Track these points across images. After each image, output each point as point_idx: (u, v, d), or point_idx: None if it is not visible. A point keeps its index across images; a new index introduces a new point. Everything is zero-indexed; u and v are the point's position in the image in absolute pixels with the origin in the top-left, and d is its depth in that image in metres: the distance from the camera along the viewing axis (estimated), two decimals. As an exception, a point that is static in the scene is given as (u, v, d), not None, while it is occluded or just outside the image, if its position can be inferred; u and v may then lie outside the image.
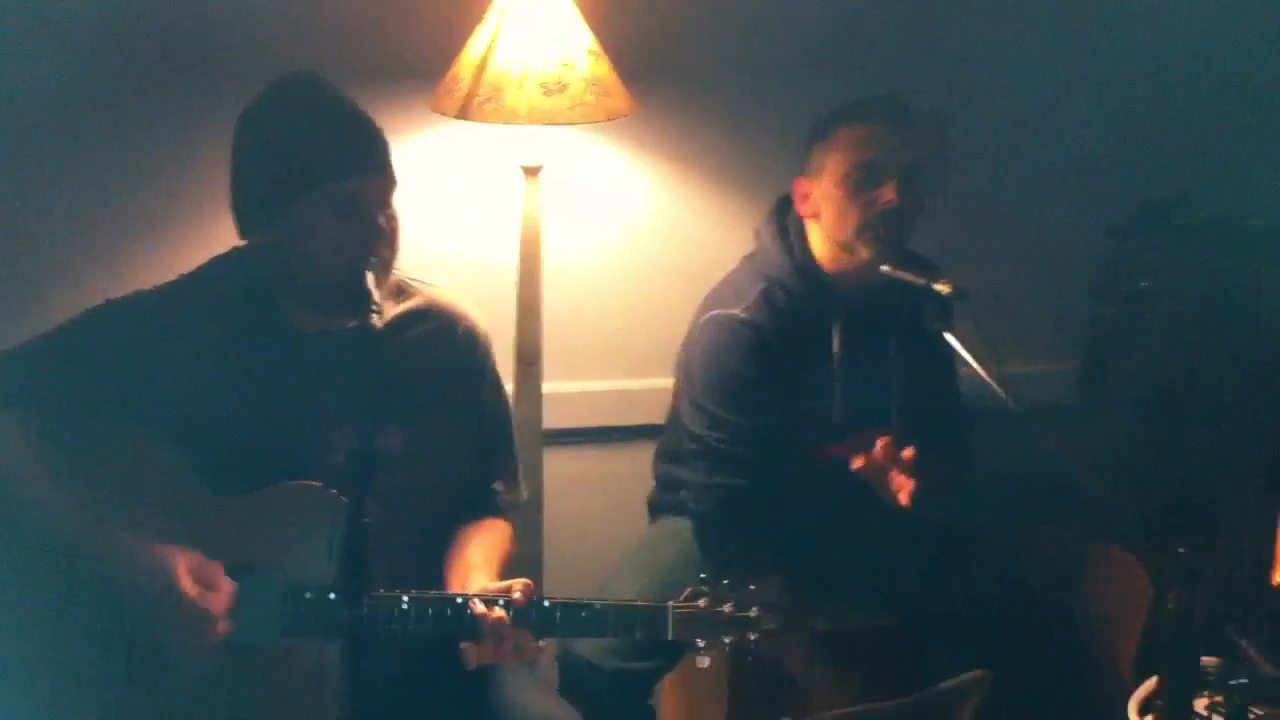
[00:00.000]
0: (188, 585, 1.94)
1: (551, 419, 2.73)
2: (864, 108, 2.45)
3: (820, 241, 2.50)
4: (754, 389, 2.46)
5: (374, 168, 2.04)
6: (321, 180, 1.99)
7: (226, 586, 1.97)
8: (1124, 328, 2.77)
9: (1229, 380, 3.00)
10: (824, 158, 2.45)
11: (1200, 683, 1.79)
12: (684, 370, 2.55)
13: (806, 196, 2.48)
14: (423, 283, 2.22)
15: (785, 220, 2.52)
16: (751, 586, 2.08)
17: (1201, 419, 3.02)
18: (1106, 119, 3.04)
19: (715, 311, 2.50)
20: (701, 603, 2.05)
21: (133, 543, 1.96)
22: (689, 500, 2.53)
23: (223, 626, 1.95)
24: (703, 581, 2.07)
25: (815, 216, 2.48)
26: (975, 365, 2.29)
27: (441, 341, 2.18)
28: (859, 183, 2.41)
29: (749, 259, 2.56)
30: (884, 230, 2.42)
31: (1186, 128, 3.09)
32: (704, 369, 2.50)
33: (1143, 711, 2.06)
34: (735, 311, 2.48)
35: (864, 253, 2.44)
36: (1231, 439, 2.97)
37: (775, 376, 2.47)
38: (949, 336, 2.34)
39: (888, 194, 2.41)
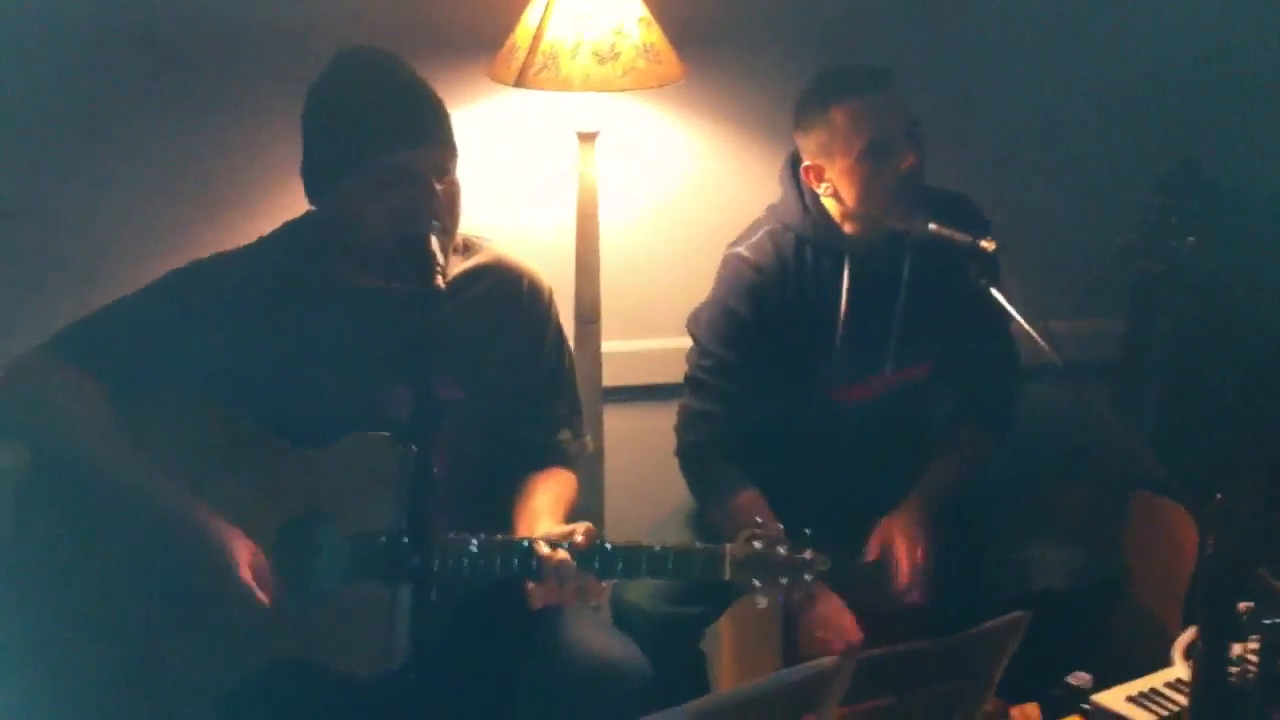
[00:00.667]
0: (244, 575, 2.03)
1: (610, 377, 2.80)
2: (846, 85, 2.45)
3: (838, 208, 2.52)
4: (743, 326, 2.50)
5: (432, 138, 2.09)
6: (382, 150, 2.05)
7: (277, 587, 2.06)
8: (1169, 285, 2.76)
9: (1268, 339, 3.01)
10: (829, 141, 2.45)
11: (1236, 627, 1.81)
12: (698, 306, 2.61)
13: (820, 178, 2.49)
14: (487, 240, 2.28)
15: (798, 172, 2.54)
16: (807, 531, 2.11)
17: (1239, 376, 3.03)
18: (1155, 74, 3.04)
19: (727, 249, 2.56)
20: (757, 545, 2.09)
21: (202, 522, 2.05)
22: (677, 426, 2.58)
23: (266, 604, 2.03)
24: (757, 526, 2.12)
25: (834, 195, 2.50)
26: (1021, 320, 2.31)
27: (507, 296, 2.25)
28: (877, 157, 2.43)
29: (771, 207, 2.60)
30: (911, 192, 2.44)
31: (1223, 88, 3.08)
32: (706, 303, 2.57)
33: (1188, 657, 2.11)
34: (739, 249, 2.54)
35: (893, 219, 2.47)
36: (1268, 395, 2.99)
37: (770, 314, 2.51)
38: (995, 292, 2.36)
39: (908, 159, 2.43)
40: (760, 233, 2.55)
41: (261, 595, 2.03)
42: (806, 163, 2.51)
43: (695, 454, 2.56)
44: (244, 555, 2.05)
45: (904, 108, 2.46)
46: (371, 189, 2.07)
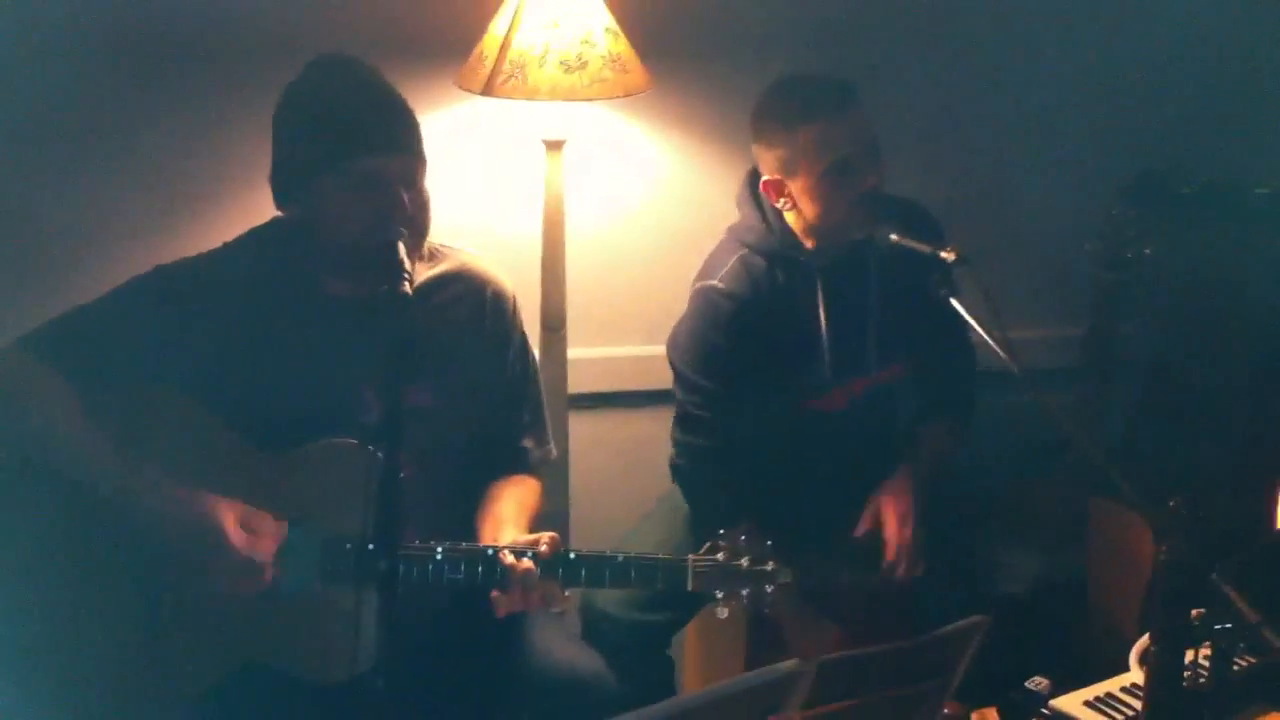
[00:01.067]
0: (236, 534, 2.03)
1: (575, 384, 2.81)
2: (811, 102, 2.44)
3: (798, 221, 2.54)
4: (727, 357, 2.53)
5: (403, 147, 2.11)
6: (352, 156, 2.06)
7: (273, 531, 2.06)
8: (1127, 294, 2.79)
9: (1228, 347, 3.05)
10: (792, 158, 2.46)
11: (1189, 632, 1.83)
12: (672, 338, 2.62)
13: (781, 192, 2.51)
14: (453, 248, 2.29)
15: (757, 190, 2.55)
16: (769, 542, 2.15)
17: (1200, 386, 3.07)
18: (1112, 84, 3.08)
19: (698, 282, 2.57)
20: (720, 556, 2.11)
21: (183, 494, 2.04)
22: (672, 457, 2.62)
23: (268, 572, 2.04)
24: (720, 537, 2.14)
25: (794, 209, 2.52)
26: (979, 329, 2.32)
27: (471, 303, 2.26)
28: (840, 176, 2.44)
29: (731, 229, 2.61)
30: (871, 209, 2.46)
31: (1192, 94, 3.12)
32: (684, 335, 2.58)
33: (1143, 663, 2.14)
34: (714, 281, 2.54)
35: (853, 233, 2.49)
36: (1228, 405, 3.03)
37: (751, 343, 2.53)
38: (954, 302, 2.37)
39: (870, 179, 2.45)
40: (731, 260, 2.55)
41: (257, 550, 2.03)
42: (766, 177, 2.51)
43: (694, 489, 2.60)
44: (230, 515, 2.04)
45: (867, 125, 2.47)
46: (340, 195, 2.08)
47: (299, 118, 2.13)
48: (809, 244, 2.55)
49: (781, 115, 2.47)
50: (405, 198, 2.08)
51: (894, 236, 2.45)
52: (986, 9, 2.98)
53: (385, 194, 2.07)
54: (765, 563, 2.12)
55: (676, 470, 2.62)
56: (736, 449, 2.57)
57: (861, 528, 2.58)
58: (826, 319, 2.55)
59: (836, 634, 2.49)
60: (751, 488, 2.56)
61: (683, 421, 2.59)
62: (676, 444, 2.61)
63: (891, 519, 2.55)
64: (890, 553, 2.54)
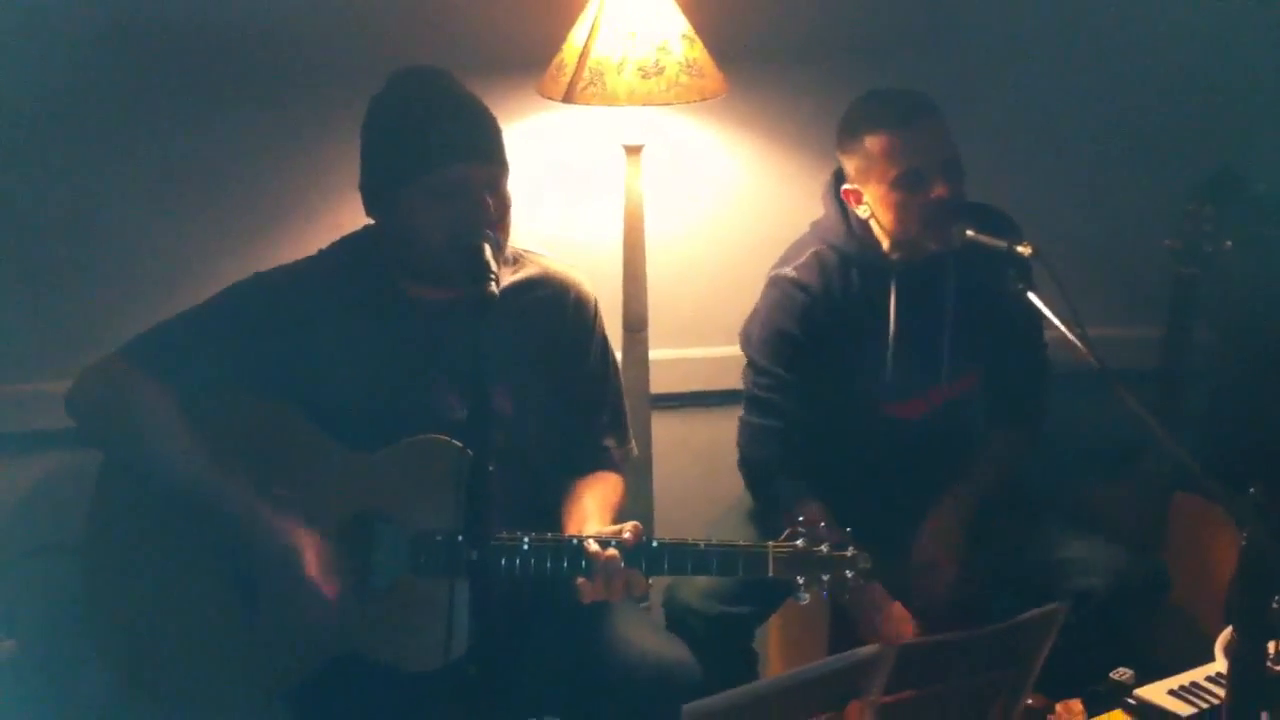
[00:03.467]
0: (312, 568, 2.10)
1: (658, 385, 2.85)
2: (883, 114, 2.49)
3: (879, 226, 2.57)
4: (796, 345, 2.57)
5: (487, 154, 2.17)
6: (441, 164, 2.12)
7: (343, 570, 2.13)
8: (1205, 290, 2.78)
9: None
10: (864, 166, 2.51)
11: (1270, 618, 1.83)
12: (745, 323, 2.67)
13: (859, 200, 2.55)
14: (536, 253, 2.35)
15: (839, 189, 2.60)
16: (848, 529, 2.18)
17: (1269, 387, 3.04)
18: (1189, 81, 3.06)
19: (774, 270, 2.62)
20: (800, 543, 2.14)
21: (267, 518, 2.11)
22: (738, 437, 2.65)
23: (335, 608, 2.11)
24: (800, 524, 2.16)
25: (872, 216, 2.56)
26: (1059, 324, 2.33)
27: (554, 307, 2.31)
28: (908, 187, 2.48)
29: (814, 224, 2.66)
30: (943, 219, 2.49)
31: (1270, 90, 3.09)
32: (756, 323, 2.62)
33: (1227, 653, 2.14)
34: (787, 270, 2.59)
35: (928, 243, 2.52)
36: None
37: (820, 334, 2.57)
38: (1032, 296, 2.39)
39: (938, 189, 2.47)
40: (807, 253, 2.60)
41: (327, 588, 2.11)
42: (847, 186, 2.57)
43: (759, 469, 2.63)
44: (310, 550, 2.12)
45: (940, 138, 2.50)
46: (428, 202, 2.14)
47: (386, 129, 2.19)
48: (887, 248, 2.58)
49: (854, 126, 2.53)
50: (490, 203, 2.14)
51: (970, 232, 2.48)
52: (1064, 11, 2.99)
53: (471, 200, 2.13)
54: (845, 549, 2.14)
55: (741, 451, 2.65)
56: (802, 436, 2.60)
57: (915, 557, 2.60)
58: (897, 322, 2.58)
59: (916, 629, 2.51)
60: (820, 480, 2.58)
61: (750, 403, 2.63)
62: (742, 424, 2.65)
63: (937, 558, 2.57)
64: (938, 589, 2.56)
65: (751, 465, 2.64)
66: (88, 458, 2.23)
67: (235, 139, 2.71)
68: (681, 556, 2.13)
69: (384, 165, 2.18)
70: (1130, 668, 2.22)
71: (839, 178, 2.62)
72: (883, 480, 2.66)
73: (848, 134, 2.54)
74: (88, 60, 2.58)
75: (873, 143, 2.49)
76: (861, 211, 2.56)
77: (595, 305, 2.37)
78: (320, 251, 2.30)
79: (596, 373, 2.38)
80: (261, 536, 2.12)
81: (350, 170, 2.24)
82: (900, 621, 2.50)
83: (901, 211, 2.51)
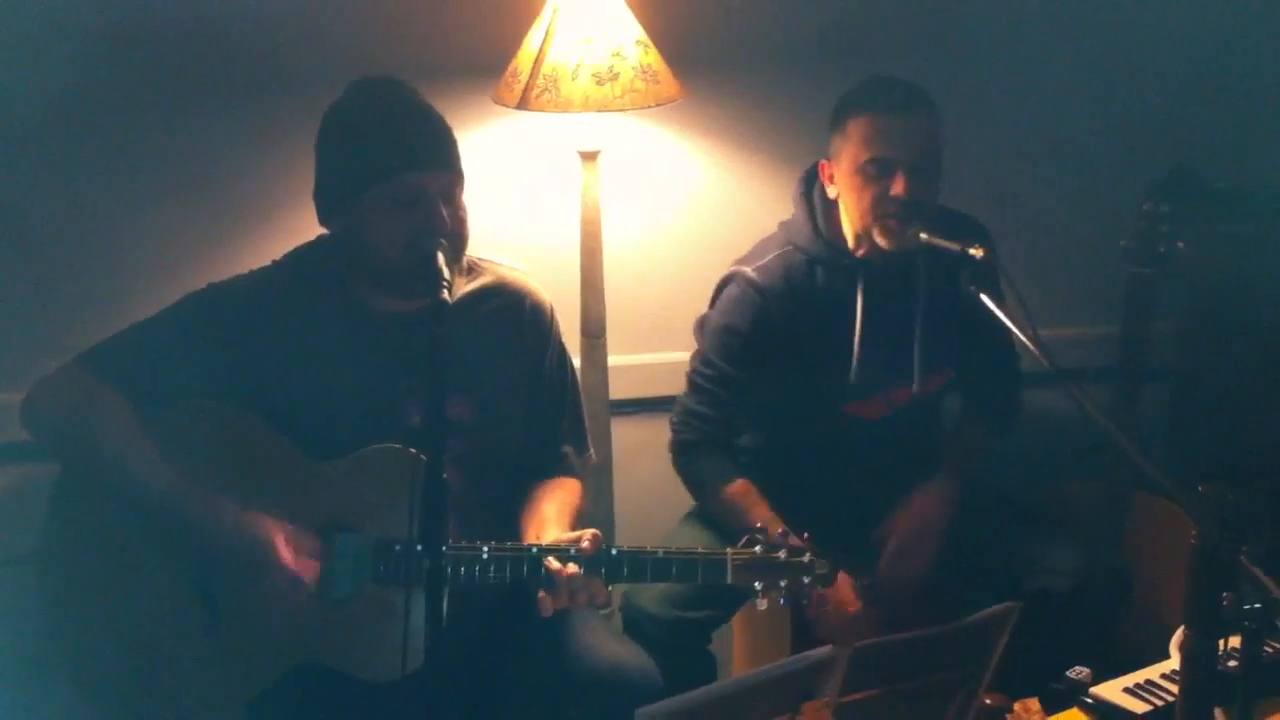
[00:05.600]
0: (284, 554, 2.10)
1: (617, 390, 2.85)
2: (872, 97, 2.50)
3: (846, 224, 2.59)
4: (745, 343, 2.58)
5: (440, 163, 2.17)
6: (392, 174, 2.12)
7: (316, 549, 2.12)
8: (1159, 289, 2.80)
9: (1258, 344, 3.03)
10: (841, 146, 2.53)
11: (1220, 613, 1.84)
12: (703, 314, 2.69)
13: (831, 179, 2.57)
14: (492, 262, 2.35)
15: (812, 189, 2.62)
16: (806, 534, 2.20)
17: (1230, 380, 3.07)
18: (1142, 79, 3.09)
19: (735, 265, 2.63)
20: (758, 549, 2.16)
21: (235, 513, 2.11)
22: (671, 420, 2.67)
23: (310, 587, 2.10)
24: (757, 531, 2.19)
25: (839, 198, 2.58)
26: (1012, 327, 2.32)
27: (510, 315, 2.32)
28: (871, 174, 2.49)
29: (782, 224, 2.67)
30: (895, 219, 2.49)
31: (1223, 88, 3.12)
32: (712, 314, 2.64)
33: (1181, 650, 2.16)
34: (747, 270, 2.60)
35: (879, 238, 2.52)
36: (1259, 399, 3.02)
37: (774, 334, 2.58)
38: (985, 299, 2.37)
39: (896, 186, 2.47)
40: (770, 255, 2.61)
41: (302, 570, 2.09)
42: (825, 160, 2.58)
43: (688, 450, 2.65)
44: (279, 537, 2.11)
45: (919, 136, 2.50)
46: (383, 210, 2.14)
47: (342, 138, 2.20)
48: (854, 248, 2.59)
49: (847, 103, 2.54)
50: (445, 212, 2.14)
51: (923, 235, 2.48)
52: (1014, 10, 3.00)
53: (426, 208, 2.14)
54: (802, 555, 2.16)
55: (672, 430, 2.67)
56: (734, 425, 2.63)
57: (884, 531, 2.62)
58: (863, 324, 2.59)
59: (876, 631, 2.52)
60: (782, 480, 2.60)
61: (690, 387, 2.65)
62: (677, 405, 2.66)
63: (904, 523, 2.59)
64: (887, 554, 2.58)
65: (681, 447, 2.66)
66: (43, 470, 2.22)
67: (192, 149, 2.71)
68: (641, 564, 2.15)
69: (340, 174, 2.19)
70: (1093, 666, 2.24)
71: (809, 178, 2.63)
72: (845, 479, 2.67)
73: (840, 110, 2.55)
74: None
75: (855, 123, 2.50)
76: (831, 192, 2.57)
77: (551, 312, 2.38)
78: (274, 262, 2.30)
79: (554, 380, 2.39)
80: (227, 533, 2.10)
81: (304, 180, 2.24)
82: (844, 601, 2.50)
83: (858, 198, 2.51)
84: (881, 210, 2.50)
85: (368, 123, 2.17)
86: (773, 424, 2.68)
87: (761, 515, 2.48)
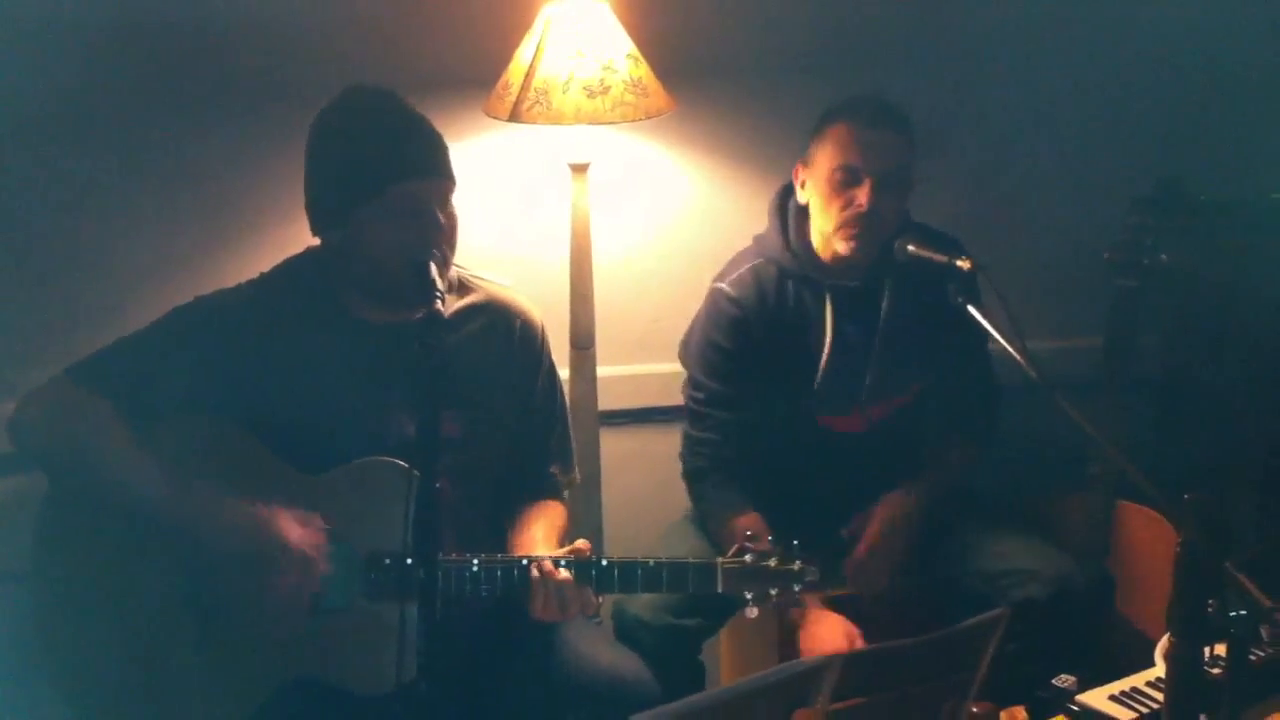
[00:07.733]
0: (291, 531, 2.09)
1: (606, 401, 2.86)
2: (854, 109, 2.53)
3: (818, 239, 2.61)
4: (728, 358, 2.61)
5: (438, 170, 2.17)
6: (389, 182, 2.12)
7: (324, 528, 2.11)
8: (1144, 301, 2.81)
9: (1244, 354, 3.06)
10: (817, 151, 2.56)
11: (1206, 622, 1.87)
12: (685, 335, 2.71)
13: (803, 184, 2.60)
14: (482, 279, 2.35)
15: (786, 203, 2.64)
16: (795, 543, 2.21)
17: (1216, 391, 3.09)
18: (1128, 92, 3.11)
19: (713, 282, 2.66)
20: (748, 557, 2.18)
21: (236, 502, 2.10)
22: (682, 451, 2.69)
23: (321, 568, 2.09)
24: (747, 539, 2.21)
25: (808, 205, 2.60)
26: (999, 338, 2.34)
27: (500, 333, 2.32)
28: (838, 182, 2.52)
29: (756, 237, 2.70)
30: (857, 231, 2.52)
31: (1209, 101, 3.14)
32: (692, 334, 2.67)
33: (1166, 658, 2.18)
34: (723, 285, 2.63)
35: (840, 248, 2.55)
36: (1245, 409, 3.04)
37: (752, 350, 2.60)
38: (973, 310, 2.40)
39: (860, 197, 2.50)
40: (744, 267, 2.64)
41: (312, 546, 2.09)
42: (799, 174, 2.60)
43: (699, 479, 2.66)
44: (284, 515, 2.10)
45: (890, 151, 2.52)
46: (379, 219, 2.13)
47: (337, 148, 2.18)
48: (826, 262, 2.61)
49: (826, 113, 2.57)
50: (441, 218, 2.15)
51: (911, 247, 2.51)
52: (1001, 19, 3.02)
53: (425, 215, 2.13)
54: (792, 563, 2.17)
55: (682, 462, 2.69)
56: (742, 447, 2.64)
57: (851, 529, 2.64)
58: (833, 338, 2.61)
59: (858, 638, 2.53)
60: (759, 493, 2.61)
61: (689, 415, 2.68)
62: (684, 436, 2.69)
63: (874, 525, 2.61)
64: (857, 553, 2.59)
65: (692, 475, 2.68)
66: (33, 482, 2.21)
67: (184, 160, 2.72)
68: (631, 573, 2.16)
69: (337, 184, 2.17)
70: (1078, 674, 2.26)
71: (784, 193, 2.65)
72: (821, 492, 2.68)
73: (822, 118, 2.58)
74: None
75: (833, 130, 2.54)
76: (801, 197, 2.60)
77: (542, 332, 2.38)
78: (263, 274, 2.29)
79: (543, 400, 2.39)
80: (233, 527, 2.09)
81: (295, 191, 2.24)
82: (835, 634, 2.51)
83: (825, 204, 2.54)
84: (844, 220, 2.53)
85: (361, 132, 2.17)
86: (752, 436, 2.68)
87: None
